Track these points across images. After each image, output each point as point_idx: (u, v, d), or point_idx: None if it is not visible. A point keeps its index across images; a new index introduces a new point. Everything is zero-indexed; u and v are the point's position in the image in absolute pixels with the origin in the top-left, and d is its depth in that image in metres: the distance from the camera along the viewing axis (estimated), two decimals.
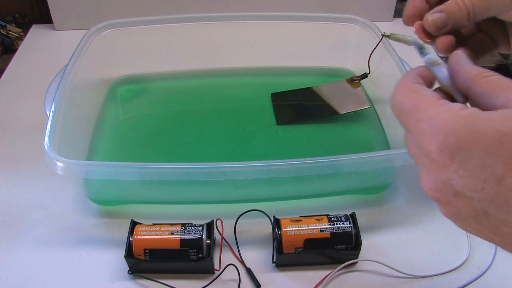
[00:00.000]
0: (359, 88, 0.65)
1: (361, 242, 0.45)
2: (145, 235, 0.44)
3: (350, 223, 0.45)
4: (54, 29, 0.85)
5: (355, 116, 0.63)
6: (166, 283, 0.44)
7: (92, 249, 0.48)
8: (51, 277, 0.45)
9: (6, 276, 0.45)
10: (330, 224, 0.45)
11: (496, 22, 0.38)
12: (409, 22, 0.37)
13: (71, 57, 0.56)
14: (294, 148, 0.60)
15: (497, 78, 0.26)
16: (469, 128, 0.23)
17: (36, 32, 0.85)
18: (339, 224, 0.45)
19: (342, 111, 0.63)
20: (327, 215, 0.46)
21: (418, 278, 0.45)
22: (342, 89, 0.65)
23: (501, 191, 0.22)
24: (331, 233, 0.45)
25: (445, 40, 0.35)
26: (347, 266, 0.46)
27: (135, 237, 0.44)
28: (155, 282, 0.44)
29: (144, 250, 0.43)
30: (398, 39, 0.39)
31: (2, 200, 0.53)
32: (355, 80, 0.65)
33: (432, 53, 0.34)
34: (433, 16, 0.35)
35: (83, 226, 0.51)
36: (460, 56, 0.30)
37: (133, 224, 0.46)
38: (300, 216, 0.47)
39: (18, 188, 0.55)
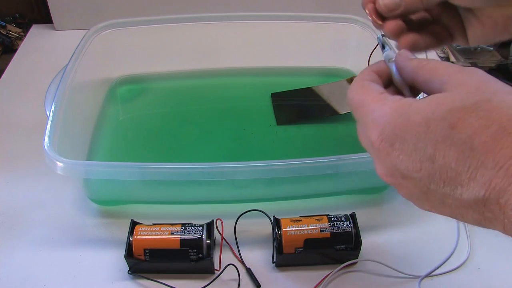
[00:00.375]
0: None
1: (361, 242, 0.45)
2: (145, 235, 0.44)
3: (350, 223, 0.45)
4: (54, 29, 0.85)
5: None
6: (166, 283, 0.44)
7: (92, 249, 0.48)
8: (51, 277, 0.45)
9: (6, 276, 0.45)
10: (330, 224, 0.45)
11: (452, 14, 0.38)
12: (366, 5, 0.38)
13: (71, 57, 0.56)
14: (294, 148, 0.60)
15: (434, 65, 0.29)
16: (401, 118, 0.26)
17: (36, 32, 0.85)
18: (339, 224, 0.45)
19: (342, 111, 0.63)
20: (327, 215, 0.46)
21: (418, 278, 0.45)
22: (342, 89, 0.65)
23: (435, 168, 0.25)
24: (331, 233, 0.45)
25: (393, 24, 0.36)
26: (347, 266, 0.46)
27: (135, 237, 0.44)
28: (155, 282, 0.44)
29: (144, 250, 0.43)
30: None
31: (2, 200, 0.53)
32: None
33: (390, 50, 0.35)
34: (385, 0, 0.36)
35: (83, 226, 0.51)
36: (404, 53, 0.32)
37: (133, 224, 0.46)
38: (300, 216, 0.47)
39: (18, 188, 0.55)
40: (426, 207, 0.28)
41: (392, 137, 0.27)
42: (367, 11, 0.38)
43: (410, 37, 0.37)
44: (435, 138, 0.25)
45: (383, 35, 0.38)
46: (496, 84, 0.26)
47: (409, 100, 0.27)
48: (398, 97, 0.28)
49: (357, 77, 0.33)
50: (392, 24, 0.37)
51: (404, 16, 0.37)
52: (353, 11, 0.66)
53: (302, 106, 0.66)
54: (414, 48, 0.37)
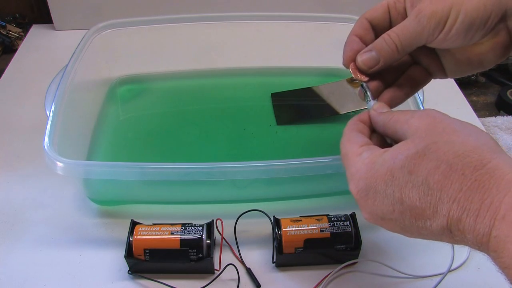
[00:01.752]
0: (359, 88, 0.65)
1: (361, 242, 0.45)
2: (145, 235, 0.44)
3: (350, 223, 0.45)
4: (54, 29, 0.85)
5: None
6: (166, 283, 0.44)
7: (92, 249, 0.48)
8: (51, 277, 0.45)
9: (6, 276, 0.45)
10: (330, 224, 0.45)
11: (429, 53, 0.40)
12: (348, 64, 0.40)
13: (71, 57, 0.56)
14: (294, 148, 0.60)
15: (396, 117, 0.33)
16: (370, 172, 0.31)
17: (36, 32, 0.85)
18: (339, 224, 0.45)
19: (342, 111, 0.63)
20: (327, 215, 0.46)
21: (418, 278, 0.45)
22: (342, 89, 0.65)
23: (404, 208, 0.29)
24: (331, 233, 0.45)
25: (371, 85, 0.39)
26: (347, 266, 0.46)
27: (135, 237, 0.44)
28: (155, 282, 0.45)
29: (144, 250, 0.43)
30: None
31: (2, 200, 0.53)
32: (355, 80, 0.65)
33: (371, 101, 0.38)
34: (363, 57, 0.39)
35: (83, 226, 0.51)
36: (377, 108, 0.36)
37: (133, 224, 0.46)
38: (300, 216, 0.47)
39: (18, 188, 0.55)
40: (410, 236, 0.31)
41: (366, 188, 0.31)
42: (350, 70, 0.40)
43: (388, 95, 0.40)
44: (400, 184, 0.29)
45: (362, 84, 0.40)
46: (444, 122, 0.30)
47: (377, 155, 0.31)
48: (370, 152, 0.32)
49: (346, 127, 0.37)
50: (371, 85, 0.39)
51: (386, 66, 0.39)
52: (353, 11, 0.66)
53: (302, 106, 0.66)
54: (395, 103, 0.40)
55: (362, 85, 0.40)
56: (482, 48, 0.37)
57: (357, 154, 0.33)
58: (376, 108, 0.36)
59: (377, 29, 0.40)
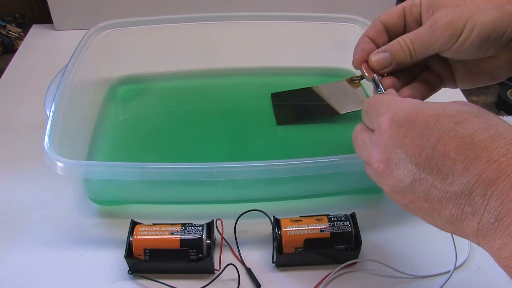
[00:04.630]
0: (359, 88, 0.65)
1: (361, 242, 0.45)
2: (145, 235, 0.44)
3: (350, 223, 0.45)
4: (54, 29, 0.85)
5: (355, 116, 0.63)
6: (166, 283, 0.44)
7: (92, 249, 0.48)
8: (51, 277, 0.45)
9: (6, 276, 0.45)
10: (330, 224, 0.45)
11: (442, 62, 0.41)
12: (358, 65, 0.40)
13: (71, 57, 0.56)
14: (294, 148, 0.60)
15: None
16: (414, 108, 0.30)
17: (36, 32, 0.85)
18: (339, 224, 0.45)
19: (342, 111, 0.63)
20: (327, 215, 0.46)
21: (418, 278, 0.45)
22: (342, 89, 0.65)
23: (434, 155, 0.28)
24: (331, 233, 0.45)
25: (388, 81, 0.40)
26: (347, 266, 0.46)
27: (135, 237, 0.44)
28: (155, 282, 0.45)
29: (144, 250, 0.43)
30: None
31: (2, 200, 0.53)
32: (355, 80, 0.65)
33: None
34: (376, 56, 0.39)
35: (83, 226, 0.51)
36: (390, 93, 0.37)
37: (133, 224, 0.46)
38: (300, 216, 0.47)
39: (18, 188, 0.55)
40: (405, 201, 0.30)
41: (402, 120, 0.30)
42: (363, 70, 0.40)
43: (406, 92, 0.40)
44: (441, 129, 0.28)
45: (374, 77, 0.40)
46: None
47: (421, 102, 0.31)
48: (412, 100, 0.32)
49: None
50: (386, 82, 0.40)
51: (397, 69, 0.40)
52: (353, 11, 0.66)
53: (302, 106, 0.66)
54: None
55: (374, 79, 0.40)
56: (496, 62, 0.37)
57: (398, 97, 0.33)
58: (390, 92, 0.37)
59: (391, 33, 0.40)
